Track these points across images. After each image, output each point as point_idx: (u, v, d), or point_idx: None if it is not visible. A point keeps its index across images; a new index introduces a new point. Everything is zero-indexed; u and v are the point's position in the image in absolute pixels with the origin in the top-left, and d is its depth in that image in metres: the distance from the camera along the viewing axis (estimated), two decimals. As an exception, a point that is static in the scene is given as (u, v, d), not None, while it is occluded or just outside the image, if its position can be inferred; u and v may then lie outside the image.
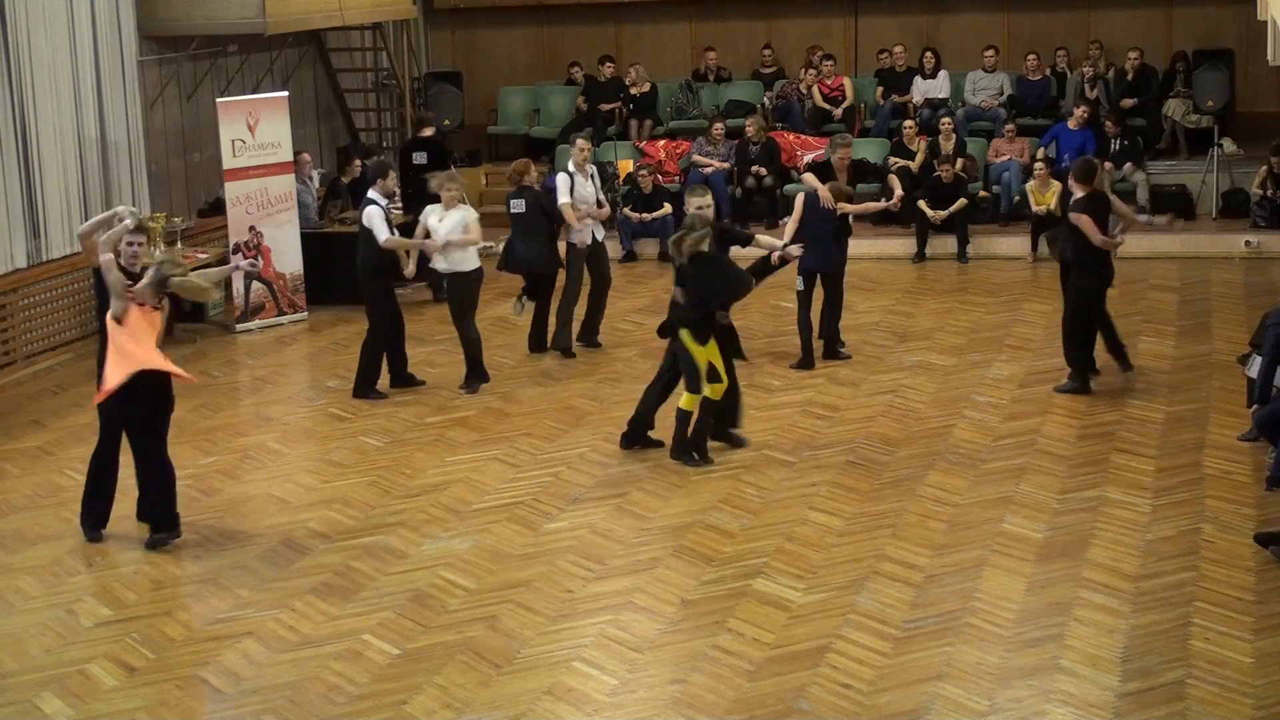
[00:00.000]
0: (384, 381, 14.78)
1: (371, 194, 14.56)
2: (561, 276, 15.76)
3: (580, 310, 16.04)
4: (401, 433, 13.62)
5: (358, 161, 19.54)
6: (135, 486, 11.41)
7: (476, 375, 14.82)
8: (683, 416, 12.49)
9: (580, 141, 15.99)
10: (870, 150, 20.88)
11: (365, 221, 14.47)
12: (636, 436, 12.92)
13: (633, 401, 13.92)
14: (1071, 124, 20.60)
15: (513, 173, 15.78)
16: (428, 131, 19.44)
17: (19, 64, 15.97)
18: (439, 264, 14.77)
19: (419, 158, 19.00)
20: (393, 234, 14.57)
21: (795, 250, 13.81)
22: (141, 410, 10.87)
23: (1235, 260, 19.23)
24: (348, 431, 13.73)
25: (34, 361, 15.98)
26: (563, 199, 15.56)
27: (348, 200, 19.08)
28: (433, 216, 14.65)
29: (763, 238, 14.01)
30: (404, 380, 14.86)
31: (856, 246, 17.26)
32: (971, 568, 10.31)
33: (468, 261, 14.65)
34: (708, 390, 12.34)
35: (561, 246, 15.80)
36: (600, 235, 15.96)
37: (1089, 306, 13.96)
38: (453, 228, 14.48)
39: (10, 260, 15.85)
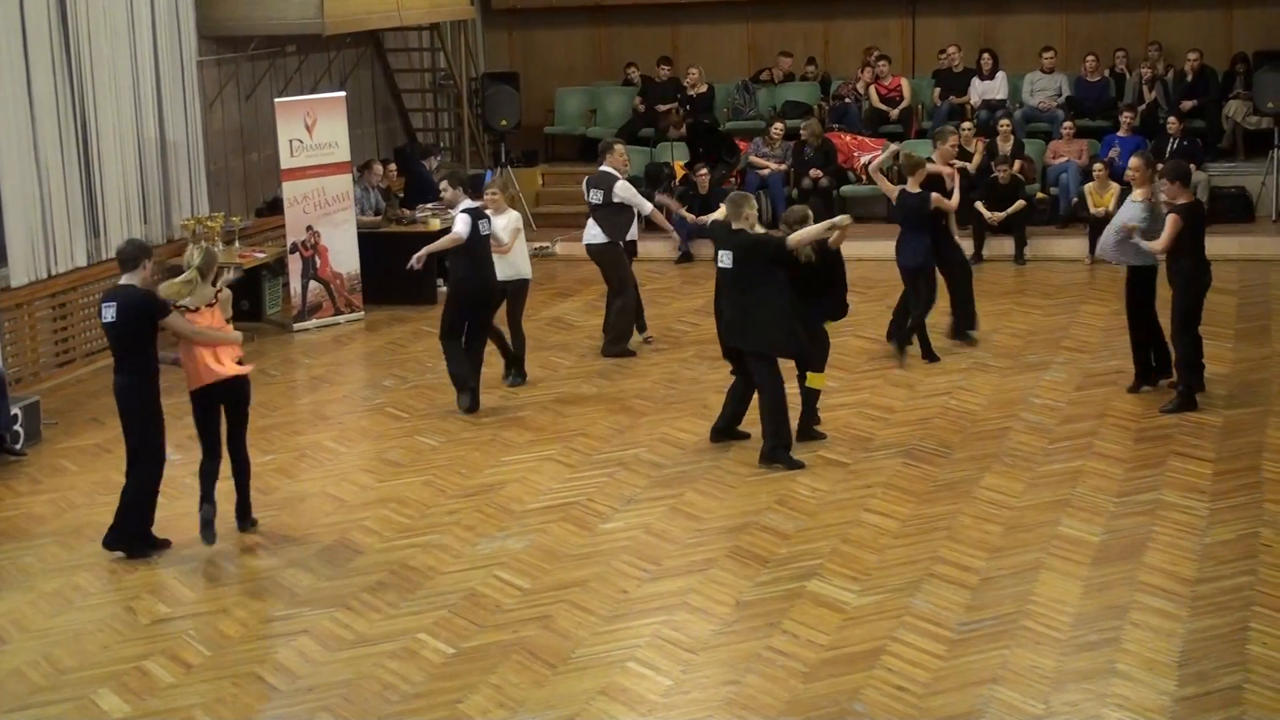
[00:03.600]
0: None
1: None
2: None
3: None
4: (457, 432, 13.66)
5: (385, 166, 19.66)
6: (198, 486, 11.41)
7: (518, 370, 15.06)
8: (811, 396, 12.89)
9: (617, 147, 16.09)
10: (927, 151, 20.77)
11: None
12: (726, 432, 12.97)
13: (688, 401, 13.97)
14: (1121, 132, 20.52)
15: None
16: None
17: (80, 64, 16.08)
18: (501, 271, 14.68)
19: None
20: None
21: (844, 220, 12.70)
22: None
23: (1295, 263, 19.10)
24: (404, 431, 13.79)
25: (93, 360, 16.03)
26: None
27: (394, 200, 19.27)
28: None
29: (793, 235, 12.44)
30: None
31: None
32: (1027, 570, 10.26)
33: (527, 267, 14.92)
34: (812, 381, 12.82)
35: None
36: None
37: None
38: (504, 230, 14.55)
39: (70, 259, 15.97)
